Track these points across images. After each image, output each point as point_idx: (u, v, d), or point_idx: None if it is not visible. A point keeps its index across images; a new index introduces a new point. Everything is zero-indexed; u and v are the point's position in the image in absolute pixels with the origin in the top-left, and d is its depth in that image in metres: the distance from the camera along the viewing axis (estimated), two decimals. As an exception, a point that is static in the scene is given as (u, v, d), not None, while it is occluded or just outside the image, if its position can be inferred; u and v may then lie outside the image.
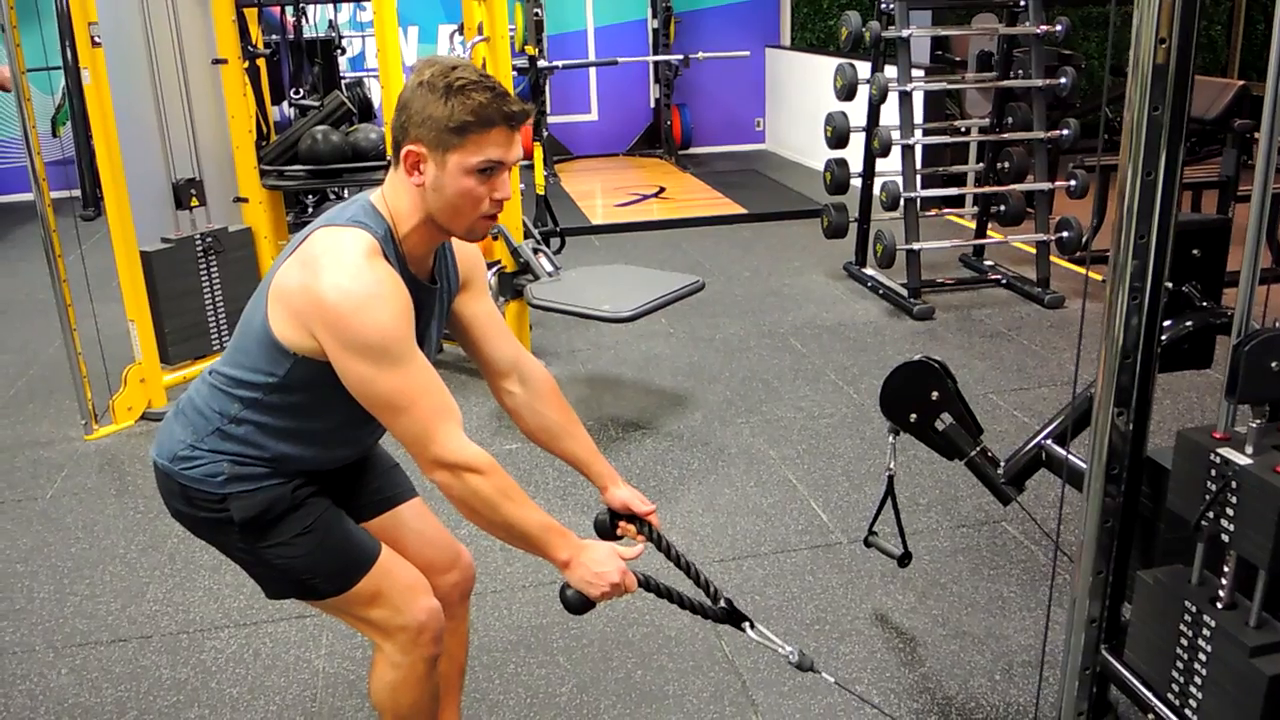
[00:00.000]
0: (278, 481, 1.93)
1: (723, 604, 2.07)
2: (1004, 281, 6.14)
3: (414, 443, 1.80)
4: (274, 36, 6.58)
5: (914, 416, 2.83)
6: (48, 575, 3.41)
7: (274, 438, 1.91)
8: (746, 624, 2.07)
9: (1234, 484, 1.69)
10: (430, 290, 1.94)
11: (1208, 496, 1.73)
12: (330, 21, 6.88)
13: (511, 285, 4.66)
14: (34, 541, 3.62)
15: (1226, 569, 1.76)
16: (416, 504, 2.25)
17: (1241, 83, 6.84)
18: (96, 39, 4.15)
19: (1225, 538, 1.72)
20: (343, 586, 1.99)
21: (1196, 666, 1.82)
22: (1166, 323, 2.20)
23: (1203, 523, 1.75)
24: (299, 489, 1.96)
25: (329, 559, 1.98)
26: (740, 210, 8.21)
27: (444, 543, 2.27)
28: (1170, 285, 1.91)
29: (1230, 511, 1.70)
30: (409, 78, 1.80)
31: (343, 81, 6.81)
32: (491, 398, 2.17)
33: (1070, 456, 2.59)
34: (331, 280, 1.72)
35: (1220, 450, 1.72)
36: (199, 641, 3.04)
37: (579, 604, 1.90)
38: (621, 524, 2.12)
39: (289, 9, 6.38)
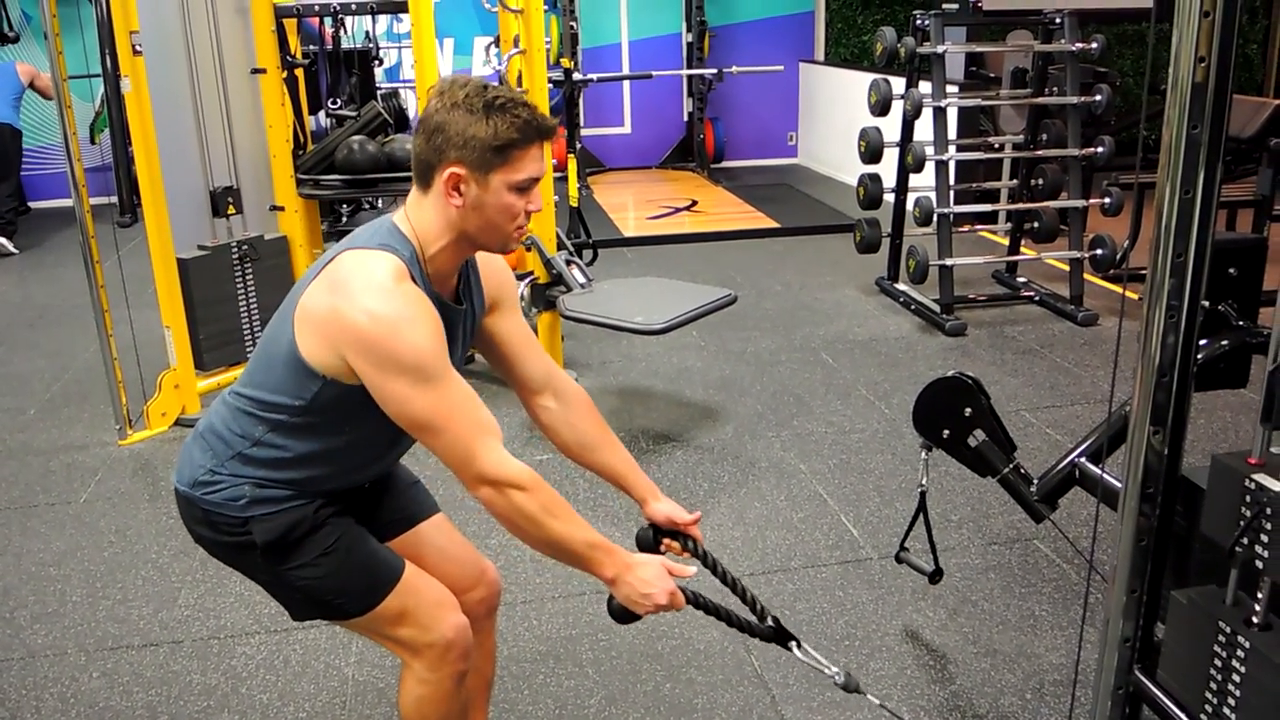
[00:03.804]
0: (300, 503, 1.93)
1: (770, 622, 2.04)
2: (1037, 298, 6.11)
3: (456, 461, 1.79)
4: (312, 47, 6.65)
5: (947, 432, 2.81)
6: (80, 579, 3.45)
7: (297, 459, 1.90)
8: (794, 643, 2.04)
9: (1268, 511, 1.67)
10: (456, 310, 1.94)
11: (1242, 523, 1.71)
12: (367, 33, 6.93)
13: (544, 297, 4.68)
14: (67, 545, 3.66)
15: (1261, 592, 1.74)
16: (439, 520, 2.25)
17: (1277, 102, 6.78)
18: (138, 47, 4.20)
19: (1259, 564, 1.70)
20: (368, 606, 1.98)
21: (1230, 688, 1.80)
22: (1203, 341, 2.19)
23: (1237, 549, 1.73)
24: (320, 509, 1.96)
25: (353, 579, 1.98)
26: (772, 224, 8.22)
27: (468, 559, 2.27)
28: (1207, 304, 1.89)
29: (1264, 538, 1.69)
30: (431, 101, 1.78)
31: (379, 92, 6.85)
32: (521, 408, 2.17)
33: (1105, 475, 2.57)
34: (363, 304, 1.72)
35: (1255, 476, 1.70)
36: (229, 647, 3.06)
37: (622, 615, 1.90)
38: (666, 541, 2.09)
39: (327, 20, 6.44)
